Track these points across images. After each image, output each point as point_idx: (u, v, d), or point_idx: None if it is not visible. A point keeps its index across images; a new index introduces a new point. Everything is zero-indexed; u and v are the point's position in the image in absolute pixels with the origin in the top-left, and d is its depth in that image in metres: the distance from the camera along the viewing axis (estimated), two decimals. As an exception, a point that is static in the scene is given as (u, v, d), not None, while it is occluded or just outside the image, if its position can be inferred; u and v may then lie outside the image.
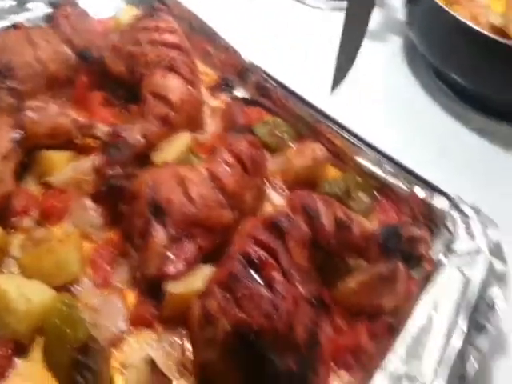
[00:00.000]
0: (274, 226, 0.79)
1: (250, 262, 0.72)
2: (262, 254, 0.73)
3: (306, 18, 1.66)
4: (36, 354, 0.77)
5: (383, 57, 1.54)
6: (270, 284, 0.71)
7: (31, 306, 0.76)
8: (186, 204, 0.87)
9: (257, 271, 0.72)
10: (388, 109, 1.36)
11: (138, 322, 0.81)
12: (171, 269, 0.81)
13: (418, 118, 1.33)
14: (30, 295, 0.77)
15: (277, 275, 0.71)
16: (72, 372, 0.71)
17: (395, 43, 1.59)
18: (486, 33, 1.16)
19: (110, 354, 0.77)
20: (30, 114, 1.07)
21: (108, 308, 0.82)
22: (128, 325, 0.81)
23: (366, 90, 1.39)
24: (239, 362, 0.68)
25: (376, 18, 1.66)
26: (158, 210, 0.86)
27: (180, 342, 0.79)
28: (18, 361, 0.75)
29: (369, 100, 1.37)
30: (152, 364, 0.66)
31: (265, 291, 0.69)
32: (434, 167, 1.05)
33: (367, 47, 1.52)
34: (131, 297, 0.85)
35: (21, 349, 0.76)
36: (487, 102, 1.32)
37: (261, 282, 0.71)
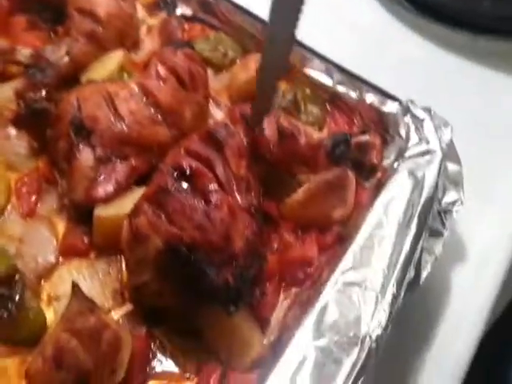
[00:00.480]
0: (210, 137, 0.72)
1: (182, 174, 0.66)
2: (195, 164, 0.67)
3: None
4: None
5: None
6: (203, 195, 0.65)
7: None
8: (113, 121, 0.80)
9: (189, 182, 0.66)
10: (338, 19, 1.27)
11: (68, 251, 0.76)
12: (100, 191, 0.75)
13: (369, 27, 1.25)
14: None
15: (211, 185, 0.65)
16: (-5, 305, 0.66)
17: None
18: None
19: (37, 286, 0.72)
20: None
21: (34, 238, 0.76)
22: (57, 255, 0.75)
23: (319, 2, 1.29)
24: (174, 280, 0.63)
25: None
26: (82, 130, 0.79)
27: (114, 269, 0.74)
28: None
29: (319, 11, 1.26)
30: (76, 288, 0.61)
31: (197, 202, 0.64)
32: (385, 75, 0.98)
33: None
34: (61, 226, 0.79)
35: None
36: (440, 9, 1.25)
37: (194, 194, 0.65)
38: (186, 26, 1.15)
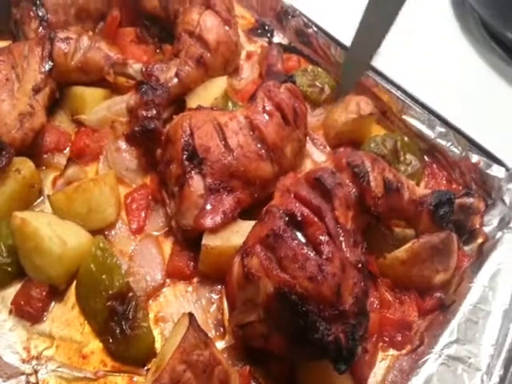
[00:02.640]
0: (317, 183, 0.73)
1: (293, 220, 0.67)
2: (306, 211, 0.68)
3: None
4: (72, 298, 0.75)
5: (431, 10, 1.40)
6: (314, 244, 0.66)
7: (66, 249, 0.73)
8: (224, 153, 0.82)
9: (300, 230, 0.67)
10: (436, 65, 1.25)
11: (174, 273, 0.79)
12: (208, 221, 0.77)
13: (467, 75, 1.22)
14: (65, 237, 0.74)
15: (322, 235, 0.66)
16: (107, 319, 0.69)
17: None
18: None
19: (146, 305, 0.75)
20: (61, 45, 1.01)
21: (144, 256, 0.80)
22: (164, 276, 0.78)
23: (414, 45, 1.27)
24: (282, 326, 0.64)
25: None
26: (195, 157, 0.81)
27: (216, 299, 0.76)
28: (53, 304, 0.74)
29: (417, 55, 1.25)
30: (191, 318, 0.63)
31: (309, 252, 0.65)
32: (488, 132, 0.97)
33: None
34: (167, 246, 0.82)
35: (56, 292, 0.75)
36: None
37: (305, 242, 0.66)
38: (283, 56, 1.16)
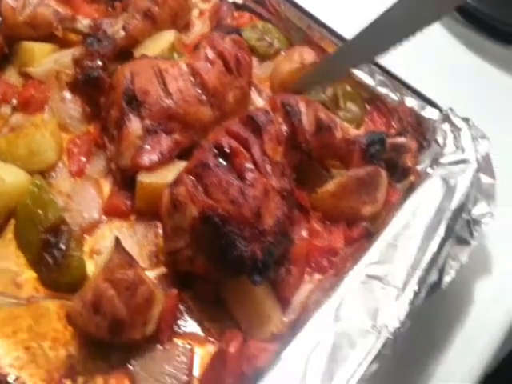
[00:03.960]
0: (250, 121, 0.76)
1: (221, 152, 0.71)
2: (234, 143, 0.71)
3: None
4: (9, 233, 0.77)
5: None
6: (239, 172, 0.69)
7: (4, 186, 0.76)
8: (163, 97, 0.84)
9: (227, 160, 0.70)
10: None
11: (111, 211, 0.81)
12: (145, 160, 0.80)
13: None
14: (4, 176, 0.77)
15: (247, 164, 0.69)
16: (41, 250, 0.72)
17: None
18: None
19: (81, 239, 0.77)
20: (9, 0, 1.01)
21: (82, 195, 0.82)
22: (101, 213, 0.81)
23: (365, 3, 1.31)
24: (206, 248, 0.68)
25: None
26: (134, 101, 0.84)
27: (152, 233, 0.79)
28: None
29: (366, 13, 1.28)
30: (118, 243, 0.66)
31: (233, 179, 0.68)
32: (427, 81, 1.00)
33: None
34: (106, 188, 0.85)
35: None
36: (490, 23, 1.24)
37: (230, 170, 0.69)
38: (236, 14, 1.18)
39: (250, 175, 0.69)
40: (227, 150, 0.71)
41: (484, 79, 1.15)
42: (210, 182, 0.68)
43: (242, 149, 0.72)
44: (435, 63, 1.16)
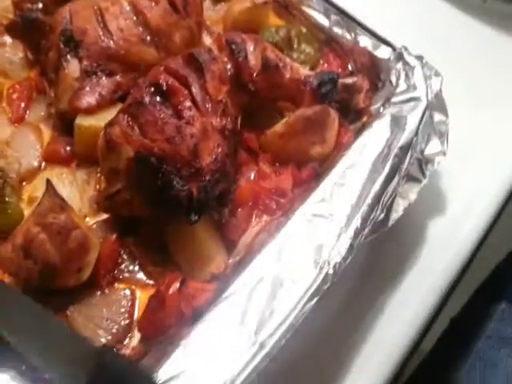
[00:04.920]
0: (191, 59, 0.73)
1: (158, 89, 0.68)
2: (172, 80, 0.68)
3: None
4: None
5: None
6: (177, 111, 0.66)
7: None
8: (102, 36, 0.80)
9: (163, 97, 0.67)
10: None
11: (51, 158, 0.78)
12: (83, 102, 0.76)
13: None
14: None
15: (185, 102, 0.67)
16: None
17: None
18: None
19: (19, 187, 0.75)
20: None
21: (21, 142, 0.79)
22: (40, 160, 0.78)
23: None
24: (143, 190, 0.66)
25: None
26: (71, 41, 0.79)
27: (93, 179, 0.76)
28: None
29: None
30: (47, 184, 0.63)
31: (170, 117, 0.65)
32: (382, 21, 0.96)
33: None
34: (47, 135, 0.81)
35: None
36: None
37: (167, 109, 0.66)
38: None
39: (187, 113, 0.66)
40: (164, 87, 0.68)
41: (439, 17, 1.12)
42: (146, 121, 0.66)
43: (181, 87, 0.68)
44: (390, 4, 1.13)
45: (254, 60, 0.78)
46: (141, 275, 0.70)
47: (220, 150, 0.67)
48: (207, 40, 0.98)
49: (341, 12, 0.96)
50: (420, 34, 1.04)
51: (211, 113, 0.69)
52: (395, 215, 0.73)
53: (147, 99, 0.67)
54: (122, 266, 0.69)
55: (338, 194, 0.71)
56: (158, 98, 0.67)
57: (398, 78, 0.87)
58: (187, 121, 0.65)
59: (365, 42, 0.92)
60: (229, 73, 0.76)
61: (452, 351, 0.88)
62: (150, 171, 0.64)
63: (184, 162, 0.64)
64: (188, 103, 0.67)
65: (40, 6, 0.92)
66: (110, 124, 0.68)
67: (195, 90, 0.68)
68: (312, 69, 0.94)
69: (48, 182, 0.64)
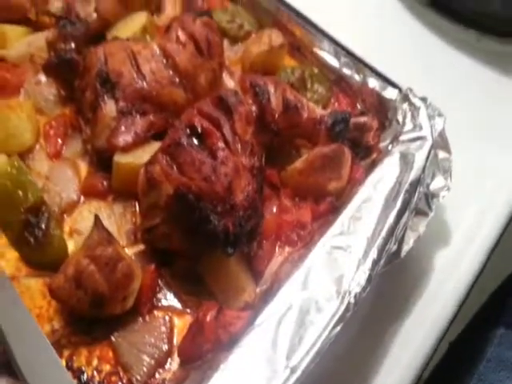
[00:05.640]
0: (220, 101, 0.80)
1: (193, 131, 0.74)
2: (205, 123, 0.75)
3: None
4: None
5: None
6: (211, 151, 0.73)
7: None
8: (136, 78, 0.87)
9: (199, 139, 0.74)
10: (355, 8, 1.32)
11: (88, 192, 0.84)
12: (120, 140, 0.83)
13: (384, 19, 1.30)
14: (-18, 158, 0.78)
15: (218, 143, 0.73)
16: (22, 230, 0.75)
17: None
18: None
19: (60, 219, 0.80)
20: (-21, -17, 1.01)
21: (60, 177, 0.85)
22: (79, 194, 0.84)
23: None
24: (181, 224, 0.72)
25: None
26: (107, 82, 0.86)
27: (129, 212, 0.82)
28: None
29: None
30: (98, 222, 0.69)
31: (206, 157, 0.72)
32: (388, 61, 1.04)
33: None
34: (83, 169, 0.87)
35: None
36: (450, 5, 1.30)
37: (203, 149, 0.73)
38: (206, -4, 1.20)
39: (221, 154, 0.73)
40: (199, 129, 0.75)
41: (441, 59, 1.21)
42: (184, 161, 0.72)
43: (214, 128, 0.75)
44: (396, 44, 1.21)
45: (275, 102, 0.85)
46: (176, 303, 0.75)
47: (250, 187, 0.73)
48: (227, 79, 1.06)
49: (350, 54, 1.04)
50: (422, 75, 1.12)
51: (241, 152, 0.75)
52: (406, 247, 0.79)
53: (184, 140, 0.73)
54: (160, 294, 0.75)
55: (355, 228, 0.78)
56: (193, 140, 0.74)
57: (404, 118, 0.94)
58: (221, 161, 0.72)
59: (373, 82, 1.00)
60: (254, 114, 0.83)
61: (453, 375, 0.92)
62: (188, 207, 0.70)
63: (219, 199, 0.70)
64: (221, 144, 0.74)
65: (73, 45, 0.99)
66: (151, 162, 0.74)
67: (226, 131, 0.75)
68: (324, 107, 1.02)
69: (96, 217, 0.70)
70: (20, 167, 0.79)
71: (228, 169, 0.72)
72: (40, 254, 0.74)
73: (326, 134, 0.89)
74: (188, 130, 0.75)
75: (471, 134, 1.02)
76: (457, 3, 1.28)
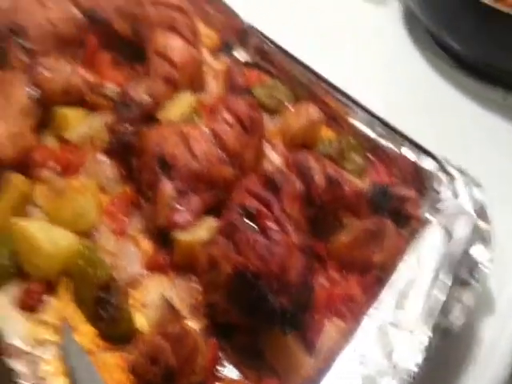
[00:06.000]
0: (269, 181, 0.87)
1: (247, 212, 0.81)
2: (256, 203, 0.82)
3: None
4: (63, 291, 0.87)
5: (382, 21, 1.56)
6: (264, 231, 0.80)
7: (58, 249, 0.86)
8: (189, 159, 0.96)
9: (253, 220, 0.81)
10: (385, 73, 1.41)
11: (152, 266, 0.91)
12: (179, 219, 0.91)
13: (413, 82, 1.38)
14: (56, 239, 0.87)
15: (271, 224, 0.80)
16: (95, 307, 0.82)
17: (394, 7, 1.60)
18: (485, 0, 1.18)
19: (127, 292, 0.87)
20: (44, 72, 1.13)
21: (125, 253, 0.92)
22: (143, 268, 0.91)
23: (364, 55, 1.44)
24: (240, 301, 0.77)
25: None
26: (164, 165, 0.95)
27: (190, 287, 0.88)
28: (48, 298, 0.86)
29: (366, 64, 1.41)
30: (166, 301, 0.76)
31: (260, 237, 0.79)
32: (424, 129, 1.11)
33: (366, 10, 1.56)
34: (146, 244, 0.95)
35: (51, 286, 0.87)
36: (483, 68, 1.36)
37: (256, 230, 0.80)
38: (246, 71, 1.30)
39: (273, 233, 0.79)
40: (252, 210, 0.82)
41: (470, 119, 1.26)
42: (240, 241, 0.79)
43: (265, 209, 0.82)
44: (426, 107, 1.28)
45: (319, 178, 0.92)
46: (237, 376, 0.80)
47: (302, 264, 0.79)
48: (269, 151, 1.14)
49: (385, 124, 1.11)
50: (454, 137, 1.18)
51: (291, 230, 0.82)
52: (457, 321, 0.81)
53: (238, 221, 0.80)
54: (221, 366, 0.80)
55: (403, 302, 0.81)
56: (247, 220, 0.81)
57: (441, 187, 0.99)
58: (274, 240, 0.78)
59: (408, 152, 1.06)
60: (299, 191, 0.90)
61: None
62: (246, 286, 0.76)
63: (275, 278, 0.76)
64: (272, 224, 0.80)
65: (129, 127, 1.09)
66: (210, 244, 0.81)
67: (276, 211, 0.82)
68: (362, 176, 1.08)
69: (166, 298, 0.78)
70: (90, 246, 0.87)
71: (280, 248, 0.78)
72: (113, 328, 0.81)
73: (367, 206, 0.95)
74: (241, 211, 0.82)
75: (509, 200, 1.06)
76: (483, 62, 1.35)
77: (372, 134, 1.12)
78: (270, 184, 0.87)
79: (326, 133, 1.16)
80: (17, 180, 0.97)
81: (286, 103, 1.22)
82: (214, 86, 1.27)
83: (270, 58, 1.29)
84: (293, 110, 1.20)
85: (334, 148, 1.10)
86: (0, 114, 1.03)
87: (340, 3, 1.59)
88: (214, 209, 0.96)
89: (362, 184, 0.99)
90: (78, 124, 1.12)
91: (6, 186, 0.95)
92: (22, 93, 1.09)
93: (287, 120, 1.16)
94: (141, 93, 1.15)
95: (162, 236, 0.92)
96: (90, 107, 1.17)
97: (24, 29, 1.21)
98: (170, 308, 0.75)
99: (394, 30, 1.54)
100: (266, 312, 0.75)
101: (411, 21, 1.53)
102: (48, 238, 0.86)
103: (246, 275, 0.76)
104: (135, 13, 1.27)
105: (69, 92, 1.15)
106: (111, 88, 1.18)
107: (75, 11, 1.33)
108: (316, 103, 1.17)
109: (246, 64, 1.32)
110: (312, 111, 1.13)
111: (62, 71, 1.16)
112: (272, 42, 1.29)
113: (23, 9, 1.24)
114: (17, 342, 0.79)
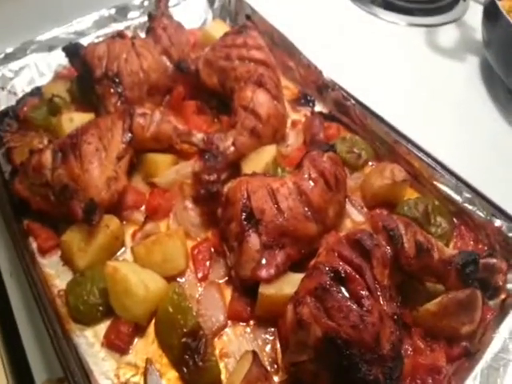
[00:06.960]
0: (357, 244, 0.86)
1: (337, 276, 0.81)
2: (348, 269, 0.81)
3: (384, 33, 1.70)
4: (152, 334, 0.90)
5: (460, 76, 1.56)
6: (356, 298, 0.79)
7: (149, 293, 0.89)
8: (276, 215, 0.97)
9: (344, 285, 0.80)
10: (465, 130, 1.38)
11: (234, 316, 0.93)
12: (264, 273, 0.91)
13: (495, 140, 1.35)
14: (147, 282, 0.90)
15: (363, 290, 0.79)
16: (182, 353, 0.83)
17: (473, 62, 1.60)
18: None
19: (212, 342, 0.88)
20: (139, 119, 1.20)
21: (209, 300, 0.94)
22: (226, 318, 0.92)
23: (443, 110, 1.43)
24: (329, 366, 0.76)
25: (454, 36, 1.69)
26: (252, 218, 0.97)
27: (271, 340, 0.88)
28: (137, 339, 0.89)
29: (446, 121, 1.40)
30: (254, 355, 0.76)
31: (352, 304, 0.78)
32: (502, 187, 1.07)
33: (445, 66, 1.57)
34: (227, 292, 0.97)
35: (140, 329, 0.90)
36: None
37: (348, 296, 0.79)
38: (325, 124, 1.32)
39: (366, 302, 0.78)
40: (343, 274, 0.81)
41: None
42: (331, 306, 0.78)
43: (357, 275, 0.81)
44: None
45: (408, 245, 0.90)
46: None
47: (395, 336, 0.77)
48: (350, 208, 1.14)
49: (473, 190, 1.08)
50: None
51: (382, 299, 0.80)
52: None
53: (330, 285, 0.80)
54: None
55: (494, 380, 0.78)
56: (338, 285, 0.80)
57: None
58: (367, 309, 0.77)
59: (498, 222, 1.03)
60: (389, 257, 0.88)
61: None
62: (337, 352, 0.75)
63: (367, 348, 0.74)
64: (365, 292, 0.79)
65: (215, 176, 1.13)
66: (299, 303, 0.81)
67: (368, 278, 0.81)
68: (448, 242, 1.06)
69: (254, 353, 0.77)
70: (180, 293, 0.89)
71: (374, 318, 0.76)
72: (197, 376, 0.82)
73: (456, 275, 0.92)
74: (331, 274, 0.81)
75: None
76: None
77: (457, 198, 1.10)
78: (359, 246, 0.86)
79: (408, 191, 1.15)
80: (110, 222, 1.02)
81: (366, 159, 1.23)
82: (293, 137, 1.30)
83: (350, 112, 1.31)
84: (375, 167, 1.20)
85: (419, 211, 1.08)
86: (99, 159, 1.09)
87: (423, 61, 1.60)
88: (297, 263, 0.96)
89: (451, 252, 0.95)
90: (167, 169, 1.18)
91: (100, 227, 1.00)
92: (119, 139, 1.16)
93: (370, 177, 1.16)
94: (227, 144, 1.20)
95: (245, 286, 0.93)
96: (179, 154, 1.24)
97: (119, 75, 1.30)
98: (259, 365, 0.75)
99: (472, 86, 1.51)
100: (358, 381, 0.73)
101: (490, 76, 1.51)
102: (140, 280, 0.89)
103: (338, 342, 0.75)
104: (223, 66, 1.34)
105: (158, 138, 1.21)
106: (198, 136, 1.23)
107: (166, 62, 1.42)
108: (399, 162, 1.17)
109: (325, 116, 1.34)
110: (397, 172, 1.12)
111: (153, 119, 1.23)
112: (353, 97, 1.31)
113: (118, 56, 1.32)
114: (104, 383, 0.82)
